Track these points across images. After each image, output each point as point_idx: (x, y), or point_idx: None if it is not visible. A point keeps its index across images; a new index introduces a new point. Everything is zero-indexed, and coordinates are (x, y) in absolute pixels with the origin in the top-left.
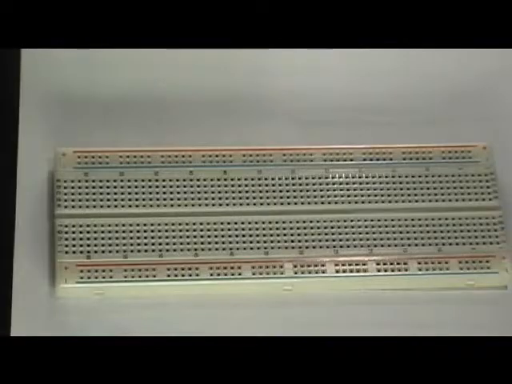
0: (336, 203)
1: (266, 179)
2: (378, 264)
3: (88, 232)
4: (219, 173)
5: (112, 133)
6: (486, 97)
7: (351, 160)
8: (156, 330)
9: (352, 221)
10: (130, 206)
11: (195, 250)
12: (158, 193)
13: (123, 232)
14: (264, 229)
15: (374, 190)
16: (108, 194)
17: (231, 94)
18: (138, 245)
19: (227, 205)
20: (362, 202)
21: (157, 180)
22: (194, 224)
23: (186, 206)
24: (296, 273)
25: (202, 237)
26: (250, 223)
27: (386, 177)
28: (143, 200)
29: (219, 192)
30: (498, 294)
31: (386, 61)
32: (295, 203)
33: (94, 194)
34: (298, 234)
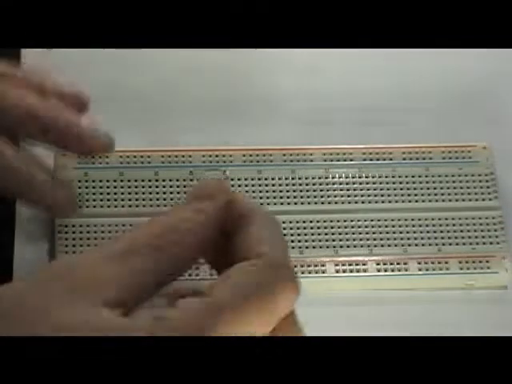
0: (336, 203)
1: (266, 179)
2: (377, 264)
3: (88, 232)
4: (219, 173)
5: (112, 133)
6: (486, 97)
7: (351, 160)
8: None
9: (352, 221)
10: (129, 206)
11: None
12: (158, 193)
13: (123, 232)
14: None
15: (374, 189)
16: (108, 193)
17: (231, 94)
18: None
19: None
20: (362, 202)
21: (157, 180)
22: None
23: None
24: (296, 273)
25: None
26: None
27: (386, 177)
28: (143, 200)
29: None
30: (498, 293)
31: (385, 61)
32: (295, 203)
33: (94, 193)
34: (298, 234)
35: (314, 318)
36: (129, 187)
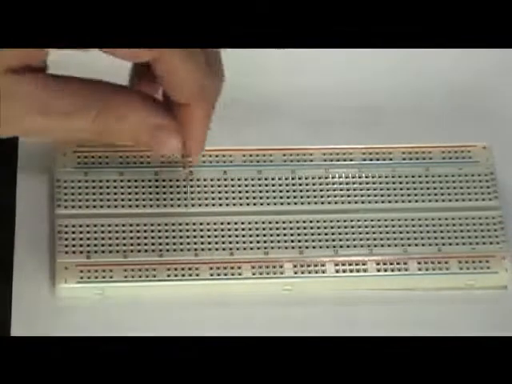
0: (336, 203)
1: (266, 179)
2: (377, 264)
3: (88, 232)
4: (219, 173)
5: None
6: (485, 97)
7: (351, 160)
8: (156, 330)
9: (352, 221)
10: (130, 206)
11: (195, 249)
12: (157, 193)
13: (123, 232)
14: (264, 229)
15: (374, 189)
16: (108, 194)
17: (231, 94)
18: (138, 245)
19: (227, 205)
20: (362, 202)
21: (157, 180)
22: (194, 224)
23: (186, 206)
24: (296, 273)
25: (201, 237)
26: (250, 223)
27: (386, 177)
28: (143, 200)
29: (219, 192)
30: (498, 293)
31: (386, 60)
32: (295, 203)
33: (93, 194)
34: (298, 234)
35: (313, 318)
36: (129, 187)
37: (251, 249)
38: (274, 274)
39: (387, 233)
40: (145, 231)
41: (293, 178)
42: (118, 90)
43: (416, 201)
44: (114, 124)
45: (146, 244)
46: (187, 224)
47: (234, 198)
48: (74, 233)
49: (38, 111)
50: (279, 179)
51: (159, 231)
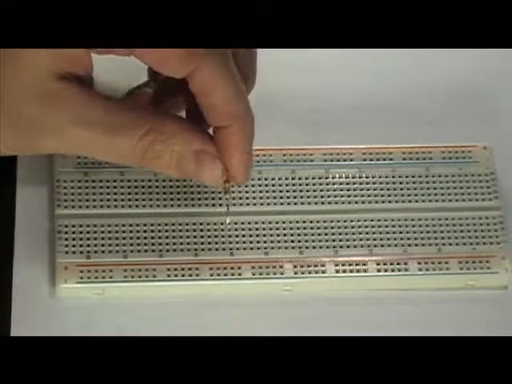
0: (336, 203)
1: (265, 179)
2: (377, 264)
3: (88, 232)
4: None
5: None
6: (486, 97)
7: (351, 160)
8: (156, 330)
9: (352, 221)
10: (130, 206)
11: (195, 250)
12: (157, 193)
13: (123, 232)
14: (264, 229)
15: (374, 190)
16: (108, 194)
17: None
18: (138, 245)
19: (227, 205)
20: (362, 202)
21: (157, 180)
22: (194, 224)
23: (185, 206)
24: (296, 273)
25: (202, 237)
26: (249, 223)
27: (386, 177)
28: (143, 200)
29: (219, 192)
30: (498, 293)
31: (386, 61)
32: (295, 203)
33: (93, 194)
34: (298, 234)
35: (313, 318)
36: (129, 187)
37: (251, 249)
38: (274, 274)
39: (387, 233)
40: (145, 231)
41: (293, 178)
42: (164, 114)
43: (416, 201)
44: (160, 146)
45: (145, 244)
46: (187, 224)
47: (234, 198)
48: (74, 233)
49: (81, 122)
50: (279, 179)
51: (159, 231)
